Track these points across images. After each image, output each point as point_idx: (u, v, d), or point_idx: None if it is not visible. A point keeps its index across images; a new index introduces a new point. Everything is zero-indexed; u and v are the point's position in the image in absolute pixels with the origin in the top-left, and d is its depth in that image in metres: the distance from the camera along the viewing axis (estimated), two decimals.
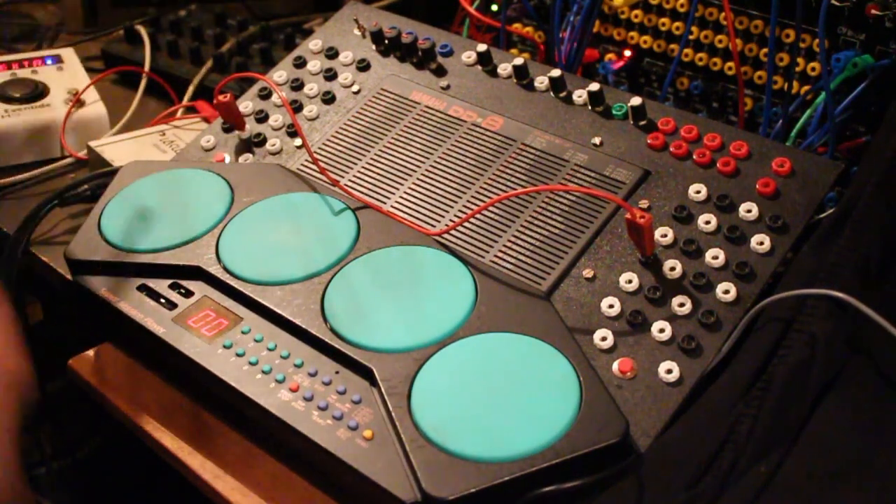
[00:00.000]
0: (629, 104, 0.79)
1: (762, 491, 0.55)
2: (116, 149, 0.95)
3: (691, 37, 0.90)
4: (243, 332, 0.70)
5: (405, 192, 0.79)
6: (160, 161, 0.88)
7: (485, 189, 0.77)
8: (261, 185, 0.81)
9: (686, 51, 0.91)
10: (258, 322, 0.70)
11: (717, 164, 0.74)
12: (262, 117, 0.89)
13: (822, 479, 0.56)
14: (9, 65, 1.07)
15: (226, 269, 0.74)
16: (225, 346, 0.69)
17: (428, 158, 0.81)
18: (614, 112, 0.80)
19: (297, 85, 0.91)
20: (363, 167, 0.82)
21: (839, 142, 0.81)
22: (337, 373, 0.66)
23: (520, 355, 0.65)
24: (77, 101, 1.01)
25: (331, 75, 0.90)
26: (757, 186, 0.72)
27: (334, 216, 0.77)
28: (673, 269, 0.69)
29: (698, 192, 0.73)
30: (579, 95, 0.82)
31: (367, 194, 0.79)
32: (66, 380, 0.78)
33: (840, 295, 0.61)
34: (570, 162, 0.78)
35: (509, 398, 0.62)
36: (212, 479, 0.68)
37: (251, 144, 0.87)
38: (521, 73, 0.85)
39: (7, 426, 0.63)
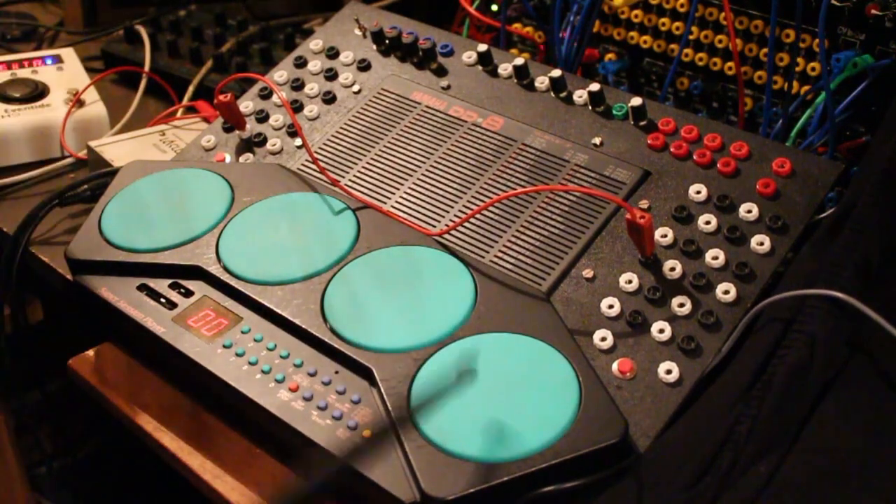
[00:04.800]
0: (629, 104, 0.79)
1: (762, 491, 0.55)
2: (116, 149, 0.95)
3: (691, 37, 0.90)
4: (243, 332, 0.70)
5: (405, 192, 0.79)
6: (160, 161, 0.88)
7: (485, 189, 0.77)
8: (261, 185, 0.81)
9: (686, 51, 0.91)
10: (258, 322, 0.70)
11: (718, 165, 0.74)
12: (262, 117, 0.89)
13: (821, 479, 0.56)
14: (9, 65, 1.07)
15: (226, 269, 0.74)
16: (225, 346, 0.69)
17: (428, 158, 0.81)
18: (615, 112, 0.80)
19: (298, 85, 0.91)
20: (363, 167, 0.82)
21: (839, 142, 0.81)
22: (336, 373, 0.66)
23: (520, 355, 0.65)
24: (77, 101, 1.01)
25: (331, 75, 0.90)
26: (757, 187, 0.72)
27: (334, 216, 0.77)
28: (673, 269, 0.69)
29: (698, 192, 0.73)
30: (579, 95, 0.82)
31: (367, 194, 0.79)
32: (66, 380, 0.78)
33: (840, 295, 0.60)
34: (570, 162, 0.78)
35: (509, 398, 0.62)
36: (212, 479, 0.68)
37: (252, 144, 0.87)
38: (521, 73, 0.85)
39: None
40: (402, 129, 0.84)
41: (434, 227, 0.76)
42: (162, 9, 1.24)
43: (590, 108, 0.81)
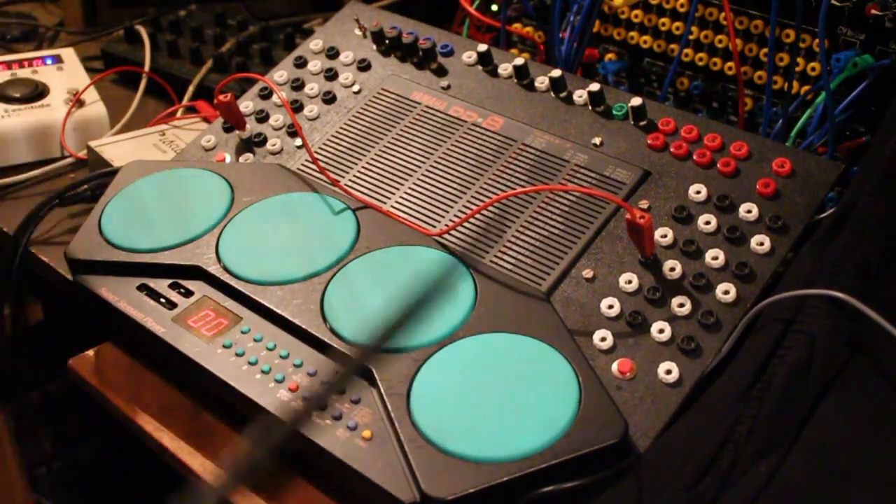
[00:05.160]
0: (629, 104, 0.79)
1: (762, 491, 0.55)
2: (116, 149, 0.95)
3: (691, 37, 0.90)
4: (243, 332, 0.70)
5: (405, 192, 0.79)
6: (160, 161, 0.88)
7: (485, 189, 0.77)
8: (261, 185, 0.81)
9: (686, 51, 0.91)
10: (258, 322, 0.70)
11: (718, 165, 0.74)
12: (262, 117, 0.89)
13: (822, 479, 0.56)
14: (9, 65, 1.07)
15: (226, 269, 0.74)
16: (224, 346, 0.69)
17: (428, 158, 0.81)
18: (615, 112, 0.80)
19: (298, 85, 0.91)
20: (363, 167, 0.82)
21: (839, 142, 0.81)
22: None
23: (519, 356, 0.65)
24: (77, 101, 1.01)
25: (331, 75, 0.90)
26: (757, 187, 0.72)
27: (334, 216, 0.77)
28: (673, 269, 0.69)
29: (698, 192, 0.73)
30: (579, 95, 0.82)
31: (367, 194, 0.79)
32: (66, 380, 0.78)
33: (840, 295, 0.60)
34: (570, 162, 0.78)
35: (508, 398, 0.62)
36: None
37: (252, 144, 0.87)
38: (521, 73, 0.85)
39: None
40: (402, 129, 0.84)
41: (434, 227, 0.76)
42: (162, 9, 1.24)
43: (590, 108, 0.81)
